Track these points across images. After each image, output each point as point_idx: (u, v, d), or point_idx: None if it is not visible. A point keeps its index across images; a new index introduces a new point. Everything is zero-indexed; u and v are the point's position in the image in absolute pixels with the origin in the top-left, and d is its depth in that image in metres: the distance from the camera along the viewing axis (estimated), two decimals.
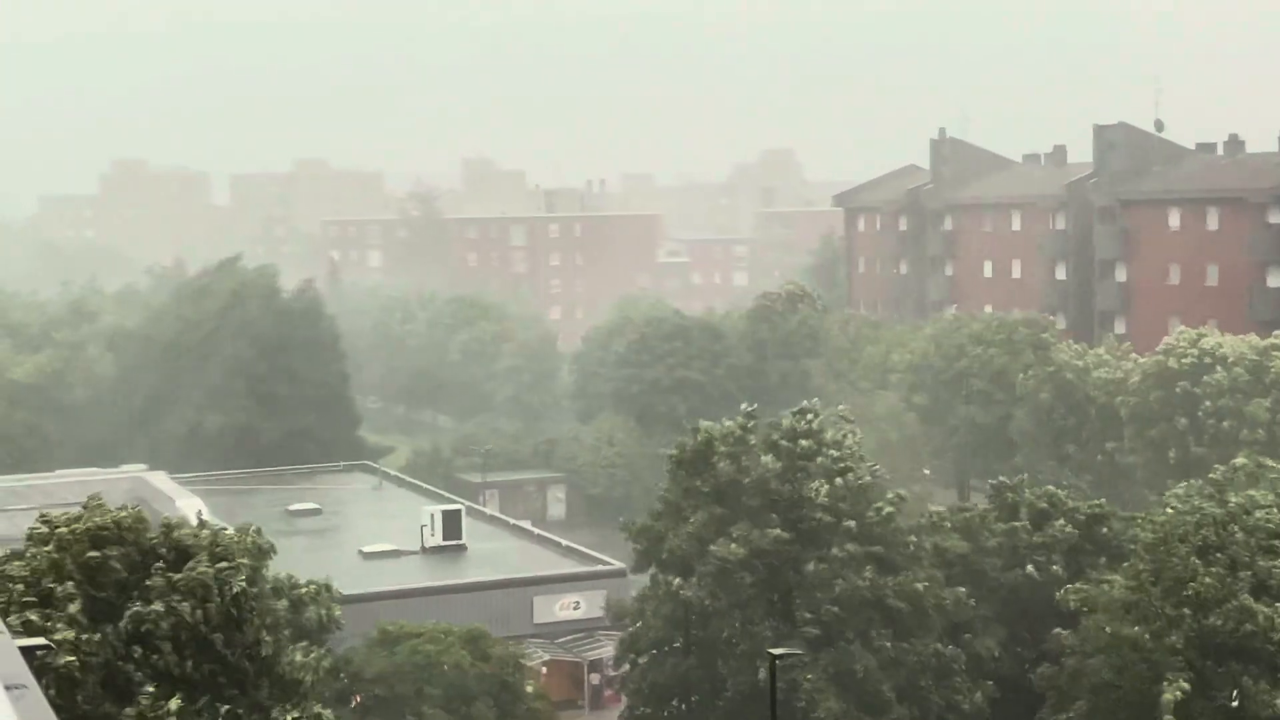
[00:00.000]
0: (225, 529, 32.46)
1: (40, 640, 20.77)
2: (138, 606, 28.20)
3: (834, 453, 42.88)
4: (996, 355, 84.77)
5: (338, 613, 38.14)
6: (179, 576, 28.72)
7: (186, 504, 63.46)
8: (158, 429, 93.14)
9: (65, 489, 64.30)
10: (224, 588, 28.83)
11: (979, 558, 43.72)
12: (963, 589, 42.11)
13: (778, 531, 41.11)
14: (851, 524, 41.53)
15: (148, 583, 28.88)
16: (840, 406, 53.05)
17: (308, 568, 39.69)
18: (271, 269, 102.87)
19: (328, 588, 38.35)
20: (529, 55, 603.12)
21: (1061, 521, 44.21)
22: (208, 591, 28.67)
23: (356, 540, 66.17)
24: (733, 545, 41.30)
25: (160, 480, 72.67)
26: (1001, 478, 50.28)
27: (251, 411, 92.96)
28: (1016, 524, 44.28)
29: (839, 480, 41.92)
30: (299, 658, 30.77)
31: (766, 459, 42.93)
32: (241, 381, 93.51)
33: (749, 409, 46.10)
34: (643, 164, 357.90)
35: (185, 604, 28.30)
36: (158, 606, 28.03)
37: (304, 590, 37.17)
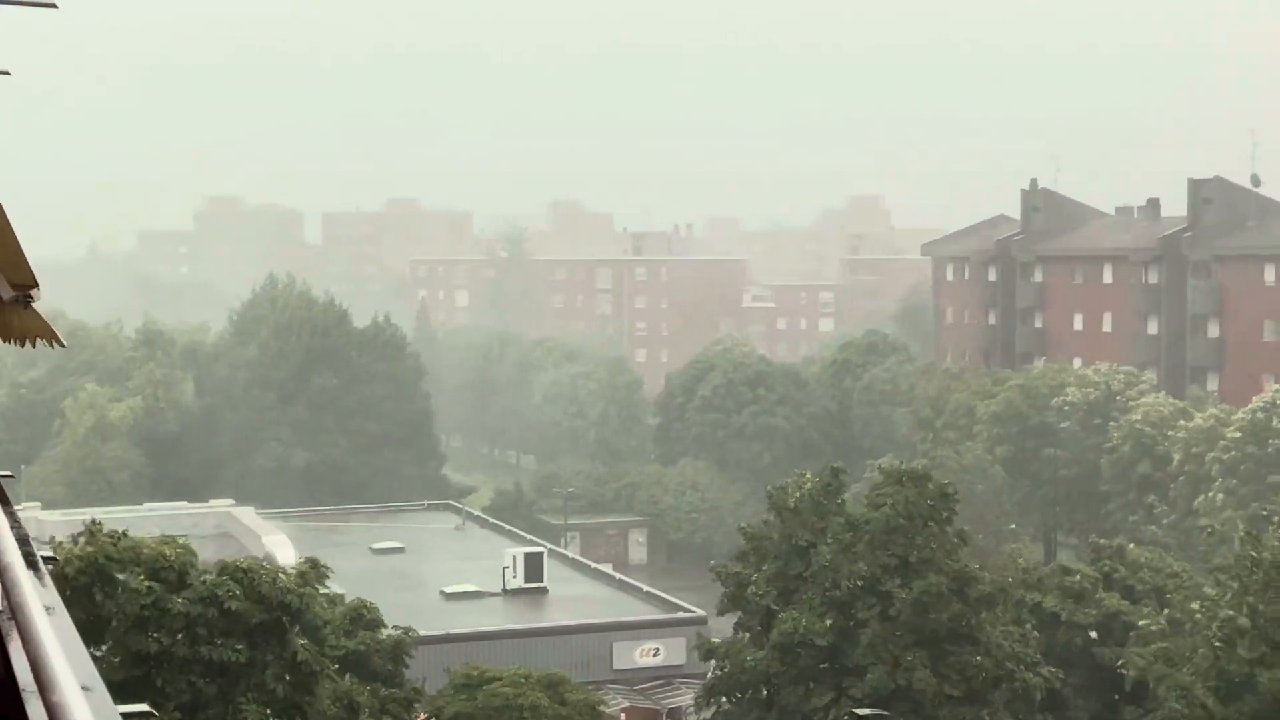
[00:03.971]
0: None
1: (143, 706, 21.01)
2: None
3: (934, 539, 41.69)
4: (1088, 409, 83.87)
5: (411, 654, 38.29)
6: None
7: (272, 540, 64.18)
8: (246, 463, 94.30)
9: (152, 523, 65.12)
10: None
11: (1073, 629, 42.69)
12: (1045, 671, 41.03)
13: (829, 623, 40.82)
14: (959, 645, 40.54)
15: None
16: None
17: (389, 607, 39.93)
18: (291, 281, 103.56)
19: (407, 632, 38.55)
20: (617, 97, 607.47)
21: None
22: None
23: (438, 580, 66.43)
24: (802, 620, 40.92)
25: (247, 515, 73.50)
26: (1095, 537, 49.18)
27: (339, 448, 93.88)
28: (1120, 598, 42.92)
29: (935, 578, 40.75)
30: (346, 685, 30.83)
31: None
32: (330, 417, 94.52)
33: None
34: (730, 208, 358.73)
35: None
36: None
37: (384, 635, 37.28)
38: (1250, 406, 74.10)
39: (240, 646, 29.35)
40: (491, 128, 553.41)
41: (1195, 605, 37.64)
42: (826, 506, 42.84)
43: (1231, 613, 35.80)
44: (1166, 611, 40.12)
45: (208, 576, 30.52)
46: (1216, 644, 35.79)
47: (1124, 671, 39.50)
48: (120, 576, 29.62)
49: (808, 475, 44.76)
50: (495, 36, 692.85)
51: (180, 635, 29.42)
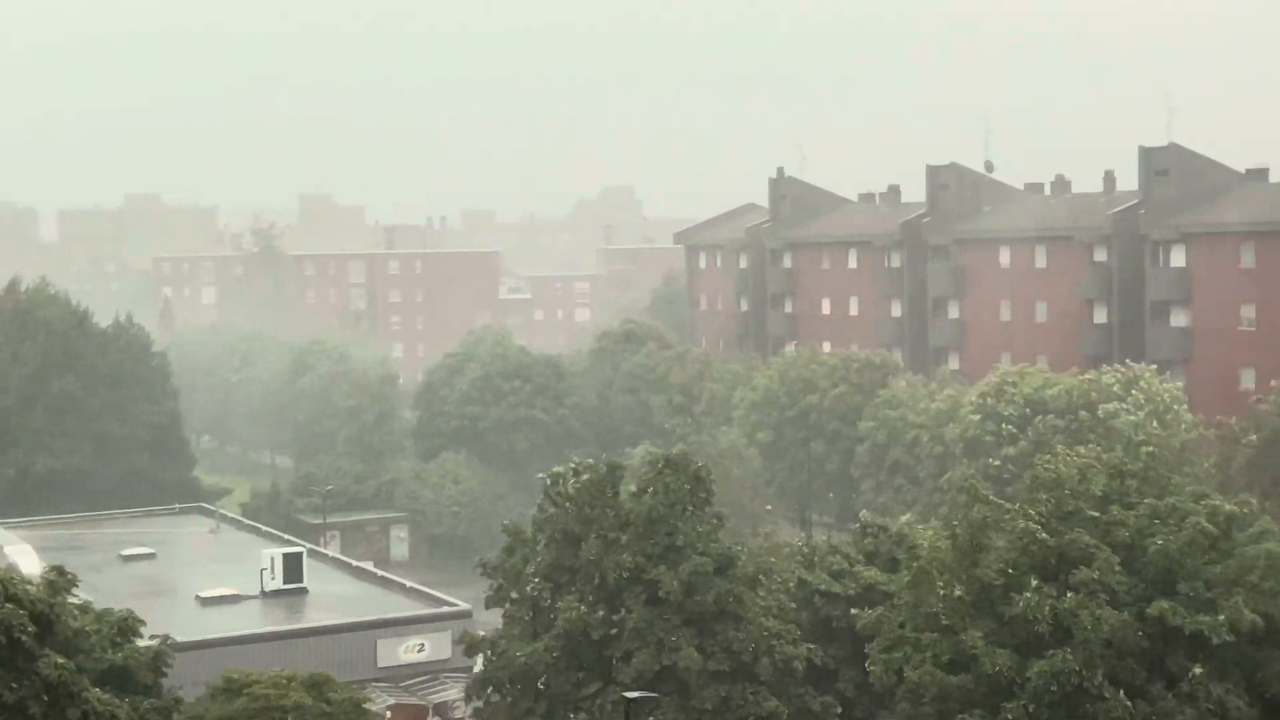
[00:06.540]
0: None
1: None
2: None
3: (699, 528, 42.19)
4: (843, 393, 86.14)
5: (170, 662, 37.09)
6: None
7: (15, 550, 61.56)
8: None
9: None
10: None
11: (834, 602, 43.76)
12: (811, 645, 42.03)
13: (602, 615, 41.26)
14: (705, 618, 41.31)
15: None
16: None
17: (142, 614, 38.63)
18: (44, 284, 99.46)
19: (166, 640, 37.39)
20: (366, 87, 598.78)
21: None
22: None
23: (193, 585, 64.66)
24: (581, 609, 41.13)
25: None
26: (863, 512, 50.32)
27: (83, 453, 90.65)
28: (882, 573, 44.15)
29: (691, 563, 41.23)
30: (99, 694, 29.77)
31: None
32: (72, 421, 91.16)
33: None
34: (484, 200, 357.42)
35: None
36: None
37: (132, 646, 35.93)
38: (978, 388, 77.21)
39: None
40: (232, 118, 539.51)
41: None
42: (600, 499, 43.04)
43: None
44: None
45: None
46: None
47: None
48: None
49: (581, 463, 44.81)
50: (232, 18, 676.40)
51: None
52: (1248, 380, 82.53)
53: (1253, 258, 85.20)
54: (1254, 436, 65.89)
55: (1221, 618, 34.92)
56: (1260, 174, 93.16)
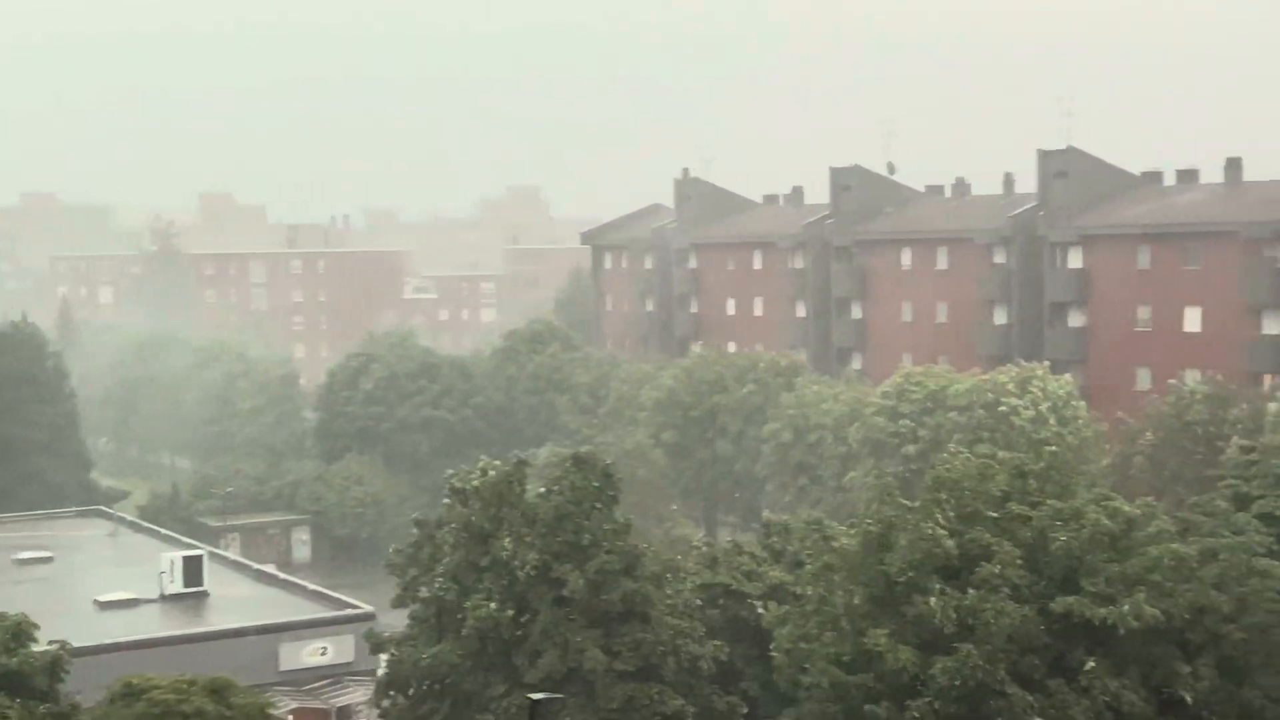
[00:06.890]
0: None
1: None
2: None
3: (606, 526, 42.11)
4: (748, 394, 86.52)
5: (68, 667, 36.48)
6: None
7: None
8: None
9: None
10: None
11: (741, 601, 43.94)
12: (717, 643, 42.19)
13: (511, 614, 41.16)
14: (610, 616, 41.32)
15: None
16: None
17: (38, 619, 37.93)
18: None
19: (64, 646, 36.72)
20: (266, 83, 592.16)
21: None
22: None
23: (91, 589, 63.57)
24: (491, 606, 40.91)
25: None
26: (767, 513, 50.61)
27: None
28: (785, 571, 44.32)
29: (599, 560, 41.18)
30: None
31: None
32: None
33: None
34: (388, 199, 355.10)
35: None
36: None
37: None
38: (882, 388, 77.95)
39: None
40: (131, 116, 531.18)
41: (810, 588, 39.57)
42: (507, 497, 42.83)
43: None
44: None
45: None
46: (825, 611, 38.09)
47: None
48: None
49: (489, 462, 44.64)
50: (129, 16, 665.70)
51: None
52: (1143, 380, 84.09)
53: (1148, 259, 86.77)
54: (1150, 435, 67.14)
55: (1126, 607, 35.37)
56: (1155, 177, 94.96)
